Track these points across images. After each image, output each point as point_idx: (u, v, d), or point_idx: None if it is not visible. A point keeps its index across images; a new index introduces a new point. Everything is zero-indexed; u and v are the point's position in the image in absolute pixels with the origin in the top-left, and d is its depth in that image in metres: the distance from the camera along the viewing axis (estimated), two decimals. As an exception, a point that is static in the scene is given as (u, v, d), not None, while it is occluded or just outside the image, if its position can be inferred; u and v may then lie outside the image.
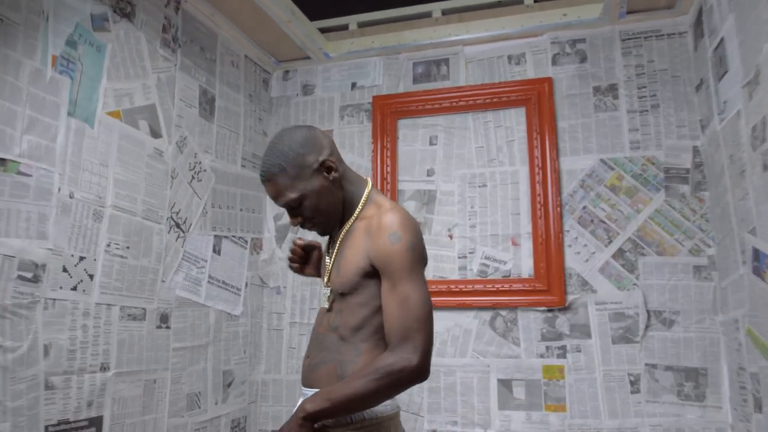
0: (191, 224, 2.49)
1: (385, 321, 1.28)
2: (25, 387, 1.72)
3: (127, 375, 2.09)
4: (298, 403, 1.34)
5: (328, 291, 1.46)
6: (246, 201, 2.90)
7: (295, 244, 1.68)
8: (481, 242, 2.73)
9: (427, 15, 2.97)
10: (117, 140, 2.11)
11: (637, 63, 2.66)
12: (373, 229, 1.33)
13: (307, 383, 1.43)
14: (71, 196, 1.90)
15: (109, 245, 2.04)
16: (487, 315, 2.66)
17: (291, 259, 1.71)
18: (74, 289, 1.90)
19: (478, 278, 2.69)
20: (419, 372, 1.23)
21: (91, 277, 1.97)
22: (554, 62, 2.78)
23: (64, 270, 1.87)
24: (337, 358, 1.37)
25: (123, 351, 2.08)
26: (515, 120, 2.79)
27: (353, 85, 3.07)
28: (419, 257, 1.32)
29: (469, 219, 2.76)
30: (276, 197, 1.40)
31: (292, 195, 1.38)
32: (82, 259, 1.94)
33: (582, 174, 2.65)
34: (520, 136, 2.77)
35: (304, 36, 2.86)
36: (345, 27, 3.12)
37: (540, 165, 2.68)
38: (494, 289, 2.64)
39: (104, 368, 2.00)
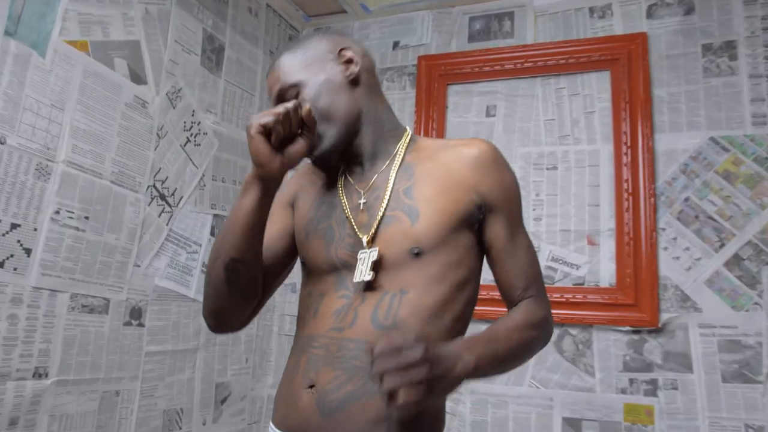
0: (182, 198, 1.99)
1: (510, 272, 1.01)
2: None
3: (76, 385, 1.60)
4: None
5: (368, 256, 0.95)
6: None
7: (304, 108, 0.95)
8: (547, 239, 2.14)
9: (490, -40, 2.42)
10: (80, 78, 1.62)
11: (765, 14, 2.03)
12: (483, 158, 1.00)
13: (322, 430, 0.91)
14: (2, 141, 1.42)
15: (58, 212, 1.56)
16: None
17: (275, 124, 0.92)
18: (0, 265, 1.42)
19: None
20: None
21: (28, 252, 1.48)
22: (650, 14, 2.18)
23: (-14, 239, 1.39)
24: None
25: (71, 353, 1.59)
26: (597, 86, 2.19)
27: (395, 45, 2.53)
28: None
29: (534, 209, 2.18)
30: (271, 87, 1.05)
31: (289, 80, 1.02)
32: (14, 227, 1.45)
33: (685, 156, 2.03)
34: (603, 106, 2.17)
35: (338, -19, 2.35)
36: (389, -24, 2.59)
37: (628, 143, 2.08)
38: (563, 299, 2.05)
39: (40, 374, 1.50)
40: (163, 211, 1.90)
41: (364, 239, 0.98)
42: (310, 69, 1.02)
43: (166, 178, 1.92)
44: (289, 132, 0.94)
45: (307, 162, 1.13)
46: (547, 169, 2.20)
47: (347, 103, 1.02)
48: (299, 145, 0.95)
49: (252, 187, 0.95)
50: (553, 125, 2.23)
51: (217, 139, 2.16)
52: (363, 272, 0.95)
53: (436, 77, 2.39)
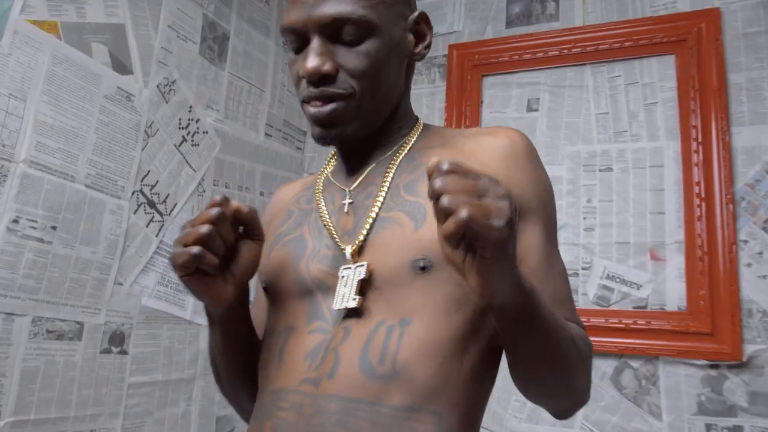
0: (176, 205, 1.74)
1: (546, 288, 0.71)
2: None
3: (37, 426, 1.34)
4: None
5: (353, 274, 0.70)
6: (270, 183, 2.12)
7: (217, 205, 0.67)
8: (601, 253, 1.81)
9: (531, -65, 2.12)
10: (47, 65, 1.39)
11: None
12: (516, 150, 0.75)
13: None
14: (-58, 136, 1.19)
15: (16, 221, 1.31)
16: (608, 365, 1.73)
17: (202, 256, 0.65)
18: (-61, 285, 1.18)
19: (596, 307, 1.77)
20: None
21: (-24, 268, 1.24)
22: (724, -12, 1.84)
23: None
24: None
25: (31, 387, 1.34)
26: (658, 73, 1.87)
27: (423, 33, 2.25)
28: None
29: (585, 218, 1.85)
30: (305, 17, 0.72)
31: (361, 8, 0.71)
32: (-42, 238, 1.21)
33: (770, 153, 1.69)
34: (667, 96, 1.84)
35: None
36: (417, -41, 2.31)
37: (699, 139, 1.74)
38: (621, 325, 1.71)
39: (-10, 414, 1.26)
40: (152, 220, 1.65)
41: (348, 250, 0.71)
42: (388, 13, 0.74)
43: (156, 182, 1.67)
44: (224, 247, 0.68)
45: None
46: (600, 170, 1.87)
47: (397, 88, 0.79)
48: (248, 251, 0.71)
49: (212, 326, 0.77)
50: (606, 120, 1.90)
51: (219, 139, 1.90)
52: (346, 296, 0.68)
53: (469, 68, 2.09)
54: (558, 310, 0.69)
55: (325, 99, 0.71)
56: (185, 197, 1.77)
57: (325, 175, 0.85)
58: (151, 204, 1.65)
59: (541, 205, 0.74)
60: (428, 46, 0.81)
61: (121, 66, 1.57)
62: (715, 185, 1.70)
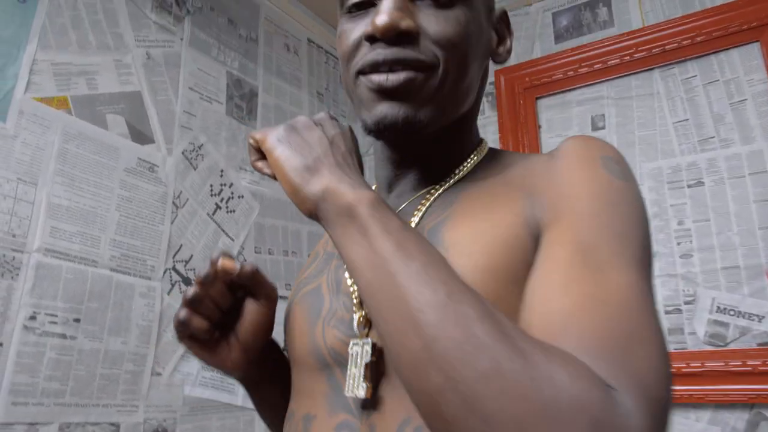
0: (215, 279, 1.58)
1: (547, 314, 0.43)
2: None
3: None
4: None
5: (360, 352, 0.52)
6: (317, 243, 1.95)
7: (217, 266, 0.58)
8: (706, 282, 1.53)
9: (569, -58, 1.94)
10: (58, 143, 1.28)
11: None
12: (555, 156, 0.56)
13: None
14: (-59, 233, 1.07)
15: (33, 317, 1.18)
16: (737, 419, 1.43)
17: (188, 322, 0.59)
18: (-53, 400, 1.04)
19: (710, 348, 1.48)
20: None
21: (-10, 376, 1.10)
22: (805, -40, 1.59)
23: (-76, 367, 1.02)
24: None
25: (63, 506, 1.17)
26: (743, 66, 1.61)
27: (465, 63, 2.07)
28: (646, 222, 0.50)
29: (679, 244, 1.59)
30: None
31: None
32: (-33, 344, 1.08)
33: None
34: (757, 91, 1.58)
35: None
36: (448, -13, 2.16)
37: (806, 134, 1.47)
38: (746, 368, 1.42)
39: None
40: (189, 299, 1.50)
41: (355, 319, 0.54)
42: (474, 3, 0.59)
43: (191, 257, 1.52)
44: (217, 311, 0.61)
45: None
46: (689, 186, 1.61)
47: (476, 84, 0.62)
48: (252, 313, 0.62)
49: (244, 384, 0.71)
50: (687, 127, 1.65)
51: (257, 202, 1.76)
52: (356, 380, 0.51)
53: (520, 92, 1.89)
54: (570, 333, 0.41)
55: (399, 65, 0.54)
56: (224, 269, 1.61)
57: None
58: (187, 281, 1.50)
59: (576, 214, 0.49)
60: (509, 51, 0.66)
61: (140, 135, 1.46)
62: (836, 186, 1.41)
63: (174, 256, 1.48)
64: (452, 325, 0.37)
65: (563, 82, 1.83)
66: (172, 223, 1.49)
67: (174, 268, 1.48)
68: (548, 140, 1.84)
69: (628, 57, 1.75)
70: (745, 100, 1.59)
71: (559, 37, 1.91)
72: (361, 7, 0.57)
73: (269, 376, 0.70)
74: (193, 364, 1.48)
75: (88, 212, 1.30)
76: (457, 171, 0.62)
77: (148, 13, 1.53)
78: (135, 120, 1.45)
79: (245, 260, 1.68)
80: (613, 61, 1.76)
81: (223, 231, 1.63)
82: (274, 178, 0.53)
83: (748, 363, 1.41)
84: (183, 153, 1.55)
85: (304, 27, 2.08)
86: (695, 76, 1.67)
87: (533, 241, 0.50)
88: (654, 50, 1.71)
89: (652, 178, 1.66)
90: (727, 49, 1.63)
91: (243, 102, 1.78)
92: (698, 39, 1.66)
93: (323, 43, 2.17)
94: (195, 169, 1.58)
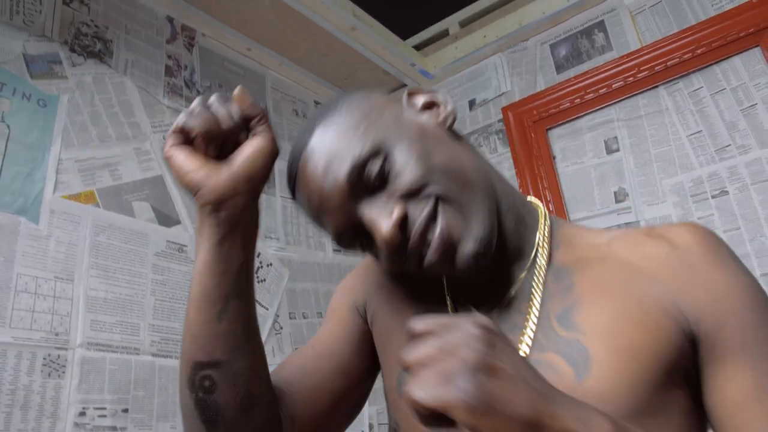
0: (254, 350, 1.58)
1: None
2: None
3: None
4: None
5: None
6: (348, 300, 1.95)
7: (235, 94, 0.57)
8: (746, 291, 1.51)
9: (555, -24, 1.99)
10: (90, 237, 1.30)
11: None
12: (686, 254, 0.57)
13: None
14: (-12, 341, 1.09)
15: (83, 413, 1.18)
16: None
17: (195, 126, 0.54)
18: None
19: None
20: None
21: (47, 479, 1.10)
22: (791, -38, 1.62)
23: (-17, 478, 1.02)
24: None
25: None
26: (747, 72, 1.62)
27: (472, 104, 2.10)
28: None
29: (712, 255, 1.57)
30: (326, 169, 0.61)
31: (361, 145, 0.61)
32: (22, 450, 1.08)
33: None
34: (766, 94, 1.58)
35: (388, 53, 2.00)
36: (445, 33, 2.22)
37: (823, 130, 1.47)
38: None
39: None
40: (231, 374, 1.49)
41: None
42: (383, 125, 0.62)
43: (228, 330, 1.53)
44: (223, 140, 0.56)
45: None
46: (713, 196, 1.61)
47: (471, 162, 0.62)
48: (253, 145, 0.57)
49: (199, 235, 0.57)
50: (702, 139, 1.65)
51: (286, 269, 1.77)
52: None
53: (530, 125, 1.91)
54: None
55: (423, 241, 0.58)
56: (263, 339, 1.61)
57: (449, 300, 0.66)
58: (227, 356, 1.50)
59: (742, 325, 0.52)
60: (449, 109, 0.66)
61: (166, 219, 1.48)
62: None
63: (212, 332, 1.48)
64: None
65: (571, 110, 1.85)
66: (206, 300, 1.50)
67: (213, 345, 1.48)
68: (564, 169, 1.85)
69: (631, 78, 1.77)
70: (756, 104, 1.59)
71: (560, 67, 1.94)
72: (358, 241, 0.63)
73: (237, 283, 0.58)
74: (243, 440, 1.46)
75: (125, 301, 1.32)
76: (536, 250, 0.62)
77: (160, 99, 1.58)
78: (160, 204, 1.48)
79: (281, 327, 1.68)
80: (617, 84, 1.78)
81: (258, 302, 1.63)
82: None
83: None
84: (209, 229, 1.58)
85: (309, 90, 2.13)
86: (701, 87, 1.68)
87: (680, 332, 0.52)
88: (656, 68, 1.73)
89: (675, 194, 1.65)
90: (729, 57, 1.65)
91: (260, 171, 1.81)
92: (698, 51, 1.68)
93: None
94: (222, 244, 1.60)
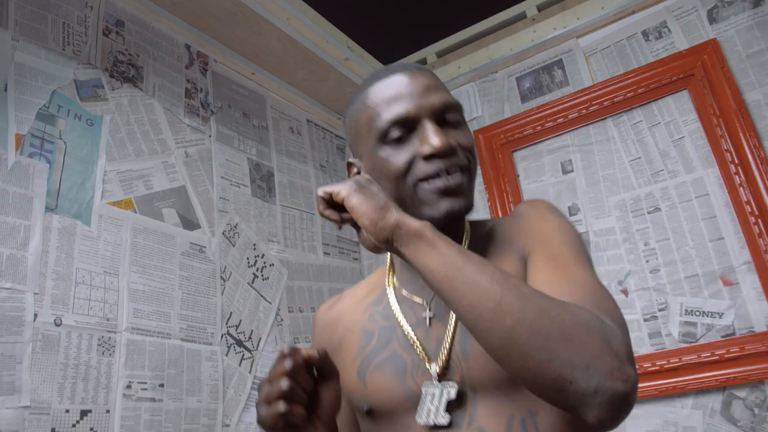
0: (261, 339, 1.82)
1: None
2: None
3: None
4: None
5: (440, 393, 0.74)
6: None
7: (286, 356, 0.67)
8: (674, 291, 1.83)
9: (521, 17, 2.29)
10: (130, 238, 1.53)
11: None
12: (523, 217, 0.86)
13: None
14: (57, 323, 1.31)
15: (129, 386, 1.41)
16: (714, 400, 1.70)
17: (289, 412, 0.65)
18: (75, 462, 1.26)
19: (685, 345, 1.77)
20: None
21: (104, 438, 1.33)
22: (713, 19, 1.96)
23: (55, 436, 1.24)
24: None
25: None
26: (677, 110, 1.95)
27: (445, 126, 2.39)
28: (581, 238, 0.82)
29: (647, 261, 1.89)
30: (429, 88, 0.81)
31: (454, 100, 0.84)
32: (84, 414, 1.30)
33: (809, 158, 1.73)
34: (692, 129, 1.92)
35: (372, 78, 2.27)
36: (423, 62, 2.50)
37: (735, 160, 1.80)
38: (715, 357, 1.70)
39: None
40: (243, 359, 1.73)
41: (434, 369, 0.76)
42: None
43: (240, 321, 1.77)
44: (306, 397, 0.69)
45: (325, 304, 0.99)
46: (649, 212, 1.93)
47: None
48: (329, 391, 0.72)
49: None
50: (641, 164, 1.98)
51: (285, 268, 2.02)
52: (432, 413, 0.73)
53: (498, 147, 2.21)
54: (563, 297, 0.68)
55: (453, 170, 0.77)
56: (267, 330, 1.86)
57: (392, 286, 0.87)
58: (239, 343, 1.74)
59: (541, 243, 0.79)
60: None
61: (189, 223, 1.71)
62: (765, 200, 1.73)
63: (227, 322, 1.72)
64: (511, 289, 0.61)
65: (533, 135, 2.15)
66: (222, 294, 1.74)
67: (228, 333, 1.72)
68: (527, 186, 2.15)
69: (584, 110, 2.08)
70: (684, 137, 1.92)
71: (524, 98, 2.25)
72: (401, 140, 0.79)
73: None
74: (253, 414, 1.71)
75: (159, 293, 1.55)
76: (462, 242, 0.86)
77: (182, 118, 1.81)
78: (183, 210, 1.71)
79: (282, 320, 1.93)
80: (572, 115, 2.10)
81: (262, 296, 1.88)
82: (338, 223, 0.76)
83: (716, 353, 1.70)
84: (223, 233, 1.81)
85: (302, 110, 2.38)
86: (641, 121, 2.01)
87: (524, 266, 0.78)
88: (605, 103, 2.05)
89: (618, 209, 1.97)
90: (663, 96, 1.97)
91: (263, 183, 2.06)
92: (639, 91, 2.00)
93: (320, 121, 2.47)
94: (234, 246, 1.84)
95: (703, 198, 1.85)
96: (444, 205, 0.77)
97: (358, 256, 2.42)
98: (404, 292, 0.85)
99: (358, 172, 0.86)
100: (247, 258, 1.88)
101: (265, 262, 1.94)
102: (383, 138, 0.80)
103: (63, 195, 1.41)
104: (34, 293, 1.28)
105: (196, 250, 1.70)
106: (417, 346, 0.78)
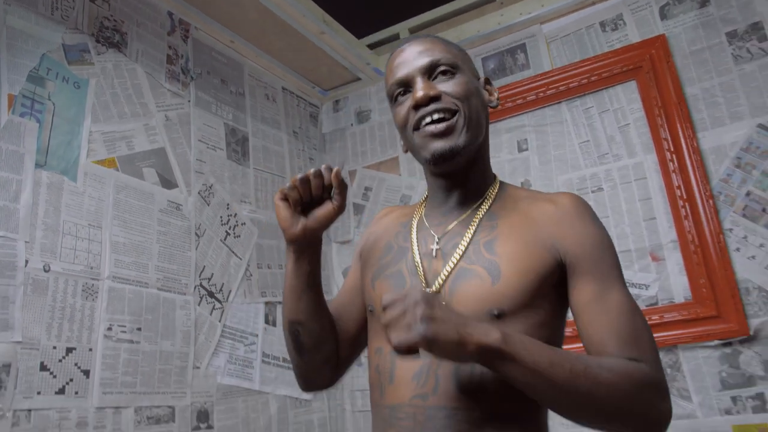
0: (231, 291, 1.98)
1: (598, 328, 0.86)
2: None
3: (153, 501, 1.56)
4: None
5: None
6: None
7: (323, 170, 0.93)
8: (608, 264, 2.02)
9: (490, 0, 2.42)
10: (112, 194, 1.66)
11: (785, -12, 1.94)
12: (565, 211, 0.94)
13: None
14: (46, 269, 1.45)
15: (110, 328, 1.56)
16: (634, 362, 1.92)
17: (292, 191, 0.92)
18: (61, 392, 1.42)
19: (613, 312, 1.97)
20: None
21: (86, 373, 1.48)
22: (664, 15, 2.11)
23: (43, 368, 1.39)
24: None
25: (143, 468, 1.56)
26: (625, 99, 2.12)
27: (414, 100, 2.53)
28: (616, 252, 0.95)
29: (587, 236, 2.07)
30: (416, 55, 0.97)
31: (449, 58, 0.97)
32: (69, 351, 1.46)
33: (735, 149, 1.91)
34: (636, 117, 2.09)
35: (349, 53, 2.39)
36: (396, 37, 2.62)
37: (672, 148, 1.98)
38: (639, 324, 1.91)
39: (115, 496, 1.47)
40: (213, 309, 1.89)
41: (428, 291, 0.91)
42: (466, 66, 1.00)
43: (212, 275, 1.92)
44: (310, 197, 0.92)
45: (384, 209, 1.14)
46: (593, 191, 2.11)
47: (484, 123, 1.01)
48: (325, 208, 0.93)
49: (287, 253, 0.98)
50: (589, 146, 2.15)
51: (256, 227, 2.16)
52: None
53: (460, 123, 2.36)
54: (611, 336, 0.83)
55: (439, 116, 0.92)
56: (237, 283, 2.01)
57: (420, 215, 1.03)
58: (211, 294, 1.90)
59: (588, 255, 0.89)
60: (498, 99, 1.05)
61: (167, 182, 1.85)
62: (693, 186, 1.92)
63: (200, 275, 1.88)
64: (592, 384, 0.76)
65: (494, 114, 2.30)
66: (196, 249, 1.88)
67: (201, 285, 1.87)
68: (485, 161, 2.31)
69: (542, 93, 2.24)
70: (629, 124, 2.09)
71: (489, 78, 2.39)
72: (403, 94, 0.97)
73: (307, 283, 0.98)
74: (221, 358, 1.88)
75: (137, 246, 1.69)
76: (485, 199, 0.99)
77: (163, 83, 1.92)
78: (163, 170, 1.84)
79: (251, 275, 2.09)
80: (531, 97, 2.25)
81: (234, 252, 2.04)
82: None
83: (640, 321, 1.91)
84: (199, 193, 1.95)
85: (278, 77, 2.50)
86: (592, 107, 2.17)
87: (553, 260, 0.90)
88: (561, 88, 2.20)
89: (565, 187, 2.15)
90: (614, 85, 2.14)
91: (238, 146, 2.19)
92: (593, 78, 2.16)
93: (294, 89, 2.59)
94: (208, 205, 1.98)
95: (641, 181, 2.04)
96: (431, 147, 0.94)
97: (326, 218, 2.58)
98: (426, 223, 1.01)
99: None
100: (221, 216, 2.02)
101: (237, 221, 2.09)
102: (393, 98, 0.99)
103: (51, 153, 1.53)
104: (25, 241, 1.42)
105: (173, 208, 1.84)
106: (420, 272, 0.94)
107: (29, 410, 1.34)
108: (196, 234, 1.90)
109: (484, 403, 0.85)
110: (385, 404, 0.92)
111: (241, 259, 2.06)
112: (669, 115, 2.00)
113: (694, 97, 2.00)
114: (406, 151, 1.04)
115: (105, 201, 1.64)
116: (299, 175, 0.91)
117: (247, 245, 2.11)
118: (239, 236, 2.08)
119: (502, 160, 2.28)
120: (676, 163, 1.96)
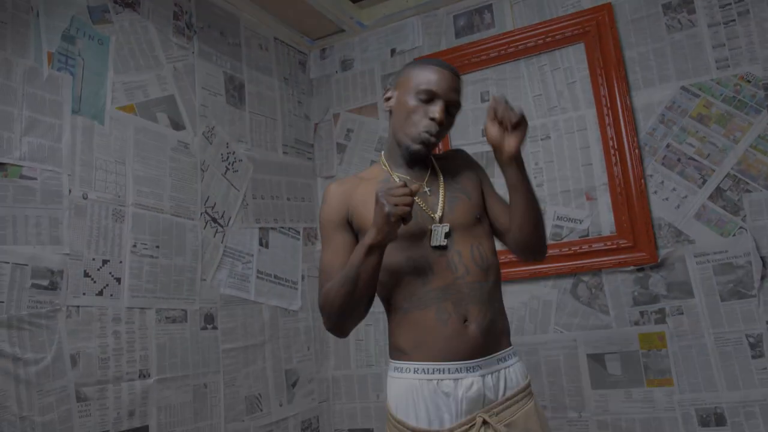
0: (230, 218, 2.34)
1: (501, 214, 1.44)
2: (55, 400, 1.62)
3: (172, 381, 1.97)
4: None
5: (441, 229, 1.35)
6: (293, 189, 2.73)
7: (409, 190, 1.22)
8: (551, 202, 2.40)
9: (464, -39, 2.67)
10: (133, 135, 1.99)
11: (714, -33, 2.23)
12: (470, 161, 1.54)
13: (483, 351, 1.32)
14: (85, 197, 1.80)
15: (135, 246, 1.93)
16: (567, 283, 2.33)
17: (409, 212, 1.21)
18: (100, 294, 1.79)
19: (553, 242, 2.36)
20: None
21: (118, 280, 1.86)
22: (613, -15, 2.40)
23: (86, 275, 1.76)
24: (501, 311, 1.42)
25: (164, 356, 1.96)
26: (574, 59, 2.44)
27: (393, 52, 2.83)
28: None
29: (535, 177, 2.44)
30: (449, 88, 1.37)
31: (459, 100, 1.42)
32: (105, 262, 1.83)
33: (660, 108, 2.26)
34: (582, 75, 2.41)
35: (334, 7, 2.66)
36: (377, -8, 2.88)
37: (608, 105, 2.32)
38: (572, 252, 2.31)
39: (144, 375, 1.88)
40: (217, 232, 2.26)
41: (437, 216, 1.36)
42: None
43: (215, 204, 2.27)
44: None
45: (334, 185, 1.47)
46: (542, 139, 2.45)
47: None
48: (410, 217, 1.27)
49: (376, 251, 1.24)
50: (541, 100, 2.48)
51: (251, 163, 2.50)
52: (437, 239, 1.33)
53: (432, 75, 2.67)
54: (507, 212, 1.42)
55: (434, 136, 1.36)
56: (235, 211, 2.37)
57: (393, 174, 1.43)
58: (214, 220, 2.26)
59: (487, 179, 1.52)
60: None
61: (177, 125, 2.17)
62: (624, 138, 2.27)
63: (205, 204, 2.23)
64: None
65: (461, 68, 2.61)
66: (201, 181, 2.23)
67: (206, 212, 2.23)
68: (452, 109, 2.63)
69: (503, 51, 2.54)
70: (575, 82, 2.42)
71: (458, 34, 2.68)
72: (422, 100, 1.35)
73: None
74: (223, 273, 2.26)
75: (154, 178, 2.04)
76: (432, 162, 1.47)
77: (170, 37, 2.21)
78: (173, 114, 2.16)
79: (248, 204, 2.44)
80: (494, 54, 2.56)
81: (233, 185, 2.38)
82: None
83: (572, 249, 2.30)
84: (203, 134, 2.28)
85: (270, 28, 2.77)
86: (546, 65, 2.48)
87: (480, 184, 1.45)
88: (520, 47, 2.51)
89: (519, 135, 2.49)
90: (565, 47, 2.44)
91: (236, 92, 2.49)
92: (548, 40, 2.46)
93: (285, 38, 2.87)
94: (211, 144, 2.31)
95: (582, 132, 2.38)
96: (415, 147, 1.38)
97: (311, 156, 2.92)
98: (408, 177, 1.42)
99: (389, 97, 1.44)
100: (221, 154, 2.35)
101: (235, 158, 2.42)
102: (417, 93, 1.36)
103: (83, 101, 1.85)
104: (68, 175, 1.76)
105: (182, 147, 2.17)
106: (423, 205, 1.38)
107: (78, 306, 1.72)
108: (201, 169, 2.24)
109: (490, 276, 1.37)
110: (433, 288, 1.32)
111: (238, 190, 2.41)
112: (608, 75, 2.33)
113: (631, 60, 2.32)
114: (388, 110, 1.45)
115: (127, 141, 1.97)
116: (409, 200, 1.19)
117: (244, 179, 2.46)
118: (237, 171, 2.42)
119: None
120: (611, 118, 2.30)
